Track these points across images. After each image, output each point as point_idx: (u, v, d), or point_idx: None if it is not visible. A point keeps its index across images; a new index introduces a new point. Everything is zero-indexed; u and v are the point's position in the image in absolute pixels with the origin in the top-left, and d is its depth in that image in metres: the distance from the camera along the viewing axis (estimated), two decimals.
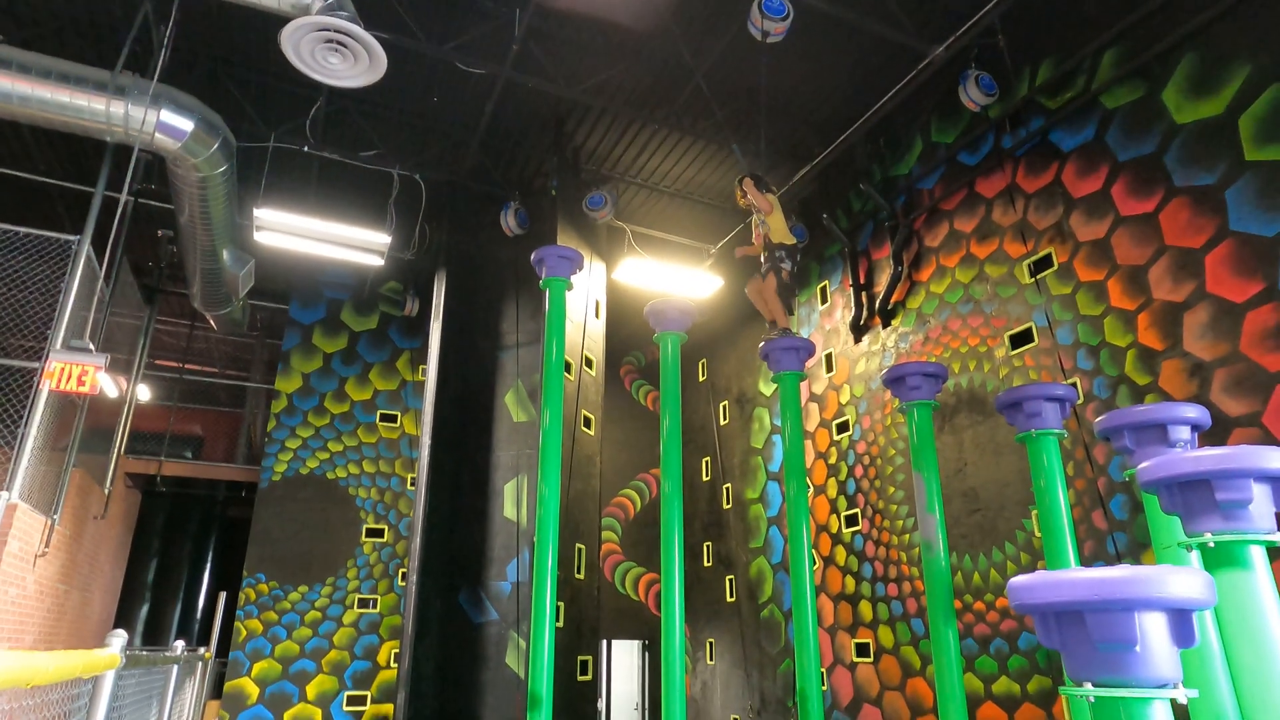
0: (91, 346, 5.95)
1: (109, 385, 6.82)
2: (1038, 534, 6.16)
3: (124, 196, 6.89)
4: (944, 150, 7.68)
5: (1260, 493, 2.54)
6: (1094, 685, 1.79)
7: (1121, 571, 1.79)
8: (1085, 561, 5.63)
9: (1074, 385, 5.97)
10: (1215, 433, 4.92)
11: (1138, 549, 5.39)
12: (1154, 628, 1.77)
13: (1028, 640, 6.13)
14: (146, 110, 6.29)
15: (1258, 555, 2.57)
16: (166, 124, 6.43)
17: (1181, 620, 1.79)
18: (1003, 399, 4.99)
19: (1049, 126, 6.59)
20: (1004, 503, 6.54)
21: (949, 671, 4.98)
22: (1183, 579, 1.78)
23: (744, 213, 9.65)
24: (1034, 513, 6.24)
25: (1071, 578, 1.85)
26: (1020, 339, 6.67)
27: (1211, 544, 2.56)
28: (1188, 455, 2.60)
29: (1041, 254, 6.55)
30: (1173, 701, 1.78)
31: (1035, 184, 6.70)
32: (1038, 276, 6.55)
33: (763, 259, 6.50)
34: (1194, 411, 3.81)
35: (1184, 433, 3.77)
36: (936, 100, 7.73)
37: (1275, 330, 4.83)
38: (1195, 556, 2.80)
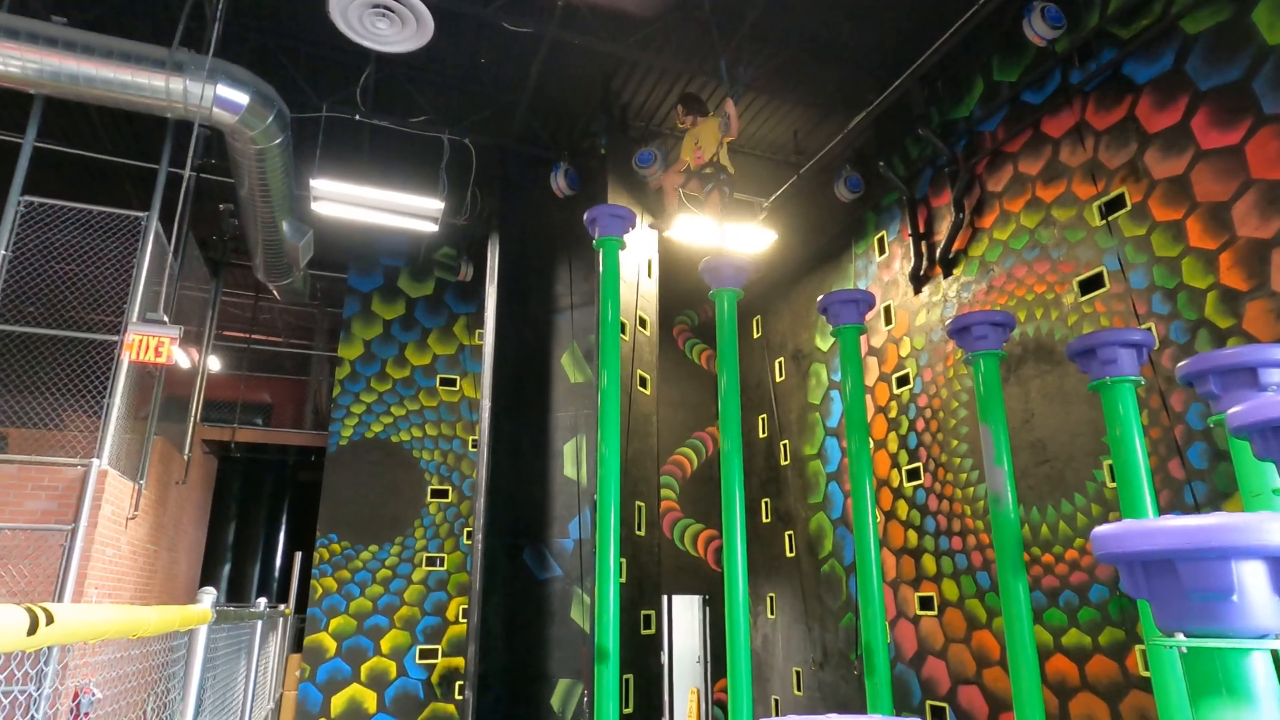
0: (166, 319, 6.18)
1: (182, 356, 7.11)
2: (1110, 484, 6.00)
3: (187, 172, 7.09)
4: (1007, 89, 7.34)
5: None
6: (1186, 635, 1.74)
7: (1216, 518, 1.72)
8: (1163, 511, 5.46)
9: (1149, 330, 5.73)
10: None
11: (1218, 498, 5.20)
12: (1253, 576, 1.70)
13: (1099, 592, 6.00)
14: (204, 85, 6.41)
15: None
16: (223, 98, 6.55)
17: None
18: (1075, 346, 4.82)
19: (1122, 58, 6.23)
20: (1073, 453, 6.37)
21: (1019, 624, 4.93)
22: None
23: (796, 165, 9.43)
24: (1106, 463, 6.07)
25: (1163, 525, 1.78)
26: (1090, 284, 6.41)
27: None
28: None
29: (1113, 194, 6.25)
30: (1274, 653, 1.72)
31: (1106, 120, 6.37)
32: (1109, 218, 6.26)
33: (699, 181, 7.14)
34: None
35: (1277, 375, 3.58)
36: (998, 37, 7.37)
37: None
38: None
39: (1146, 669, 5.50)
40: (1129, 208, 6.10)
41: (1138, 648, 5.62)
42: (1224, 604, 1.69)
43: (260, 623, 6.01)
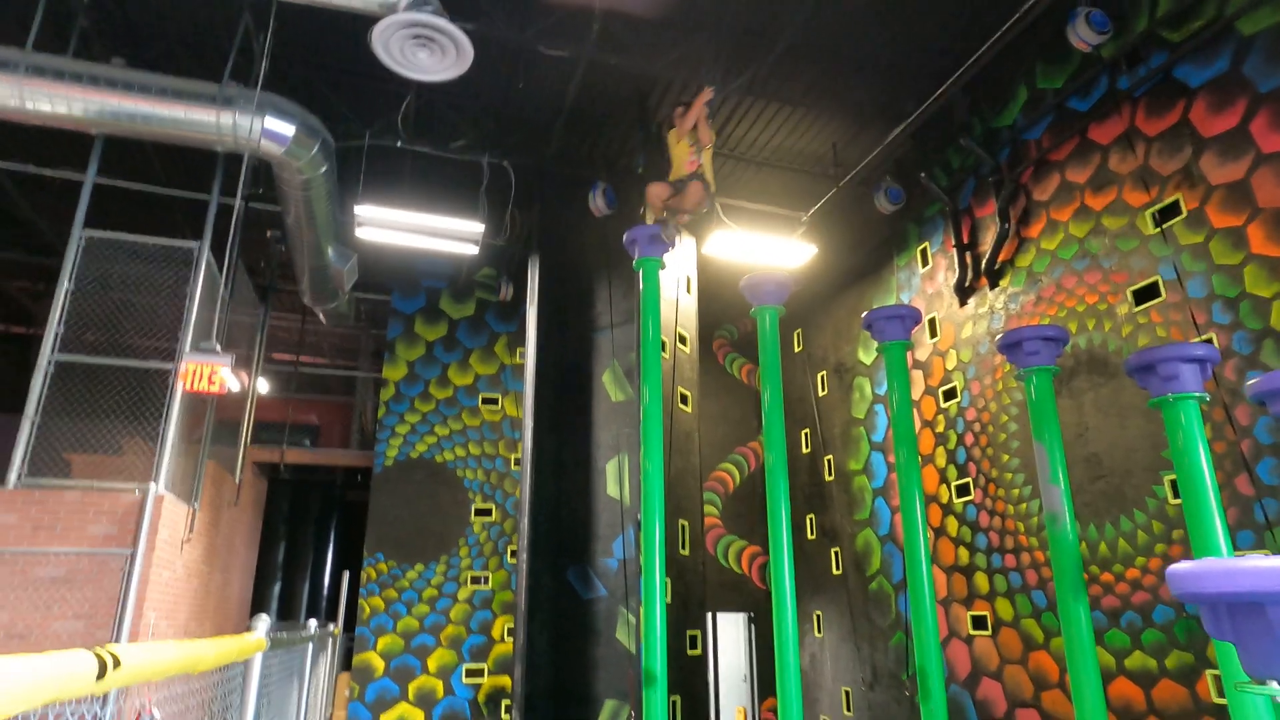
0: (218, 347, 6.33)
1: (233, 382, 7.28)
2: (1173, 500, 5.79)
3: (237, 202, 7.28)
4: (1052, 97, 7.19)
5: None
6: None
7: None
8: (1232, 530, 5.24)
9: (1210, 341, 5.53)
10: None
11: None
12: None
13: (1163, 613, 5.78)
14: (252, 118, 6.58)
15: None
16: (270, 130, 6.72)
17: None
18: (1134, 361, 4.67)
19: (1173, 62, 6.06)
20: (1131, 468, 6.16)
21: (1081, 648, 4.76)
22: None
23: (835, 178, 9.33)
24: (1167, 478, 5.85)
25: (1249, 566, 1.69)
26: (1145, 294, 6.22)
27: None
28: None
29: (1167, 201, 6.06)
30: None
31: (1158, 126, 6.20)
32: (1163, 226, 6.07)
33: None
34: None
35: None
36: (1042, 44, 7.24)
37: None
38: None
39: (1220, 695, 5.28)
40: (1184, 215, 5.92)
41: (1209, 673, 5.39)
42: None
43: (311, 644, 6.10)
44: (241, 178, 7.18)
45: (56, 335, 6.72)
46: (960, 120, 8.11)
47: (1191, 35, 5.89)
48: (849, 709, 9.63)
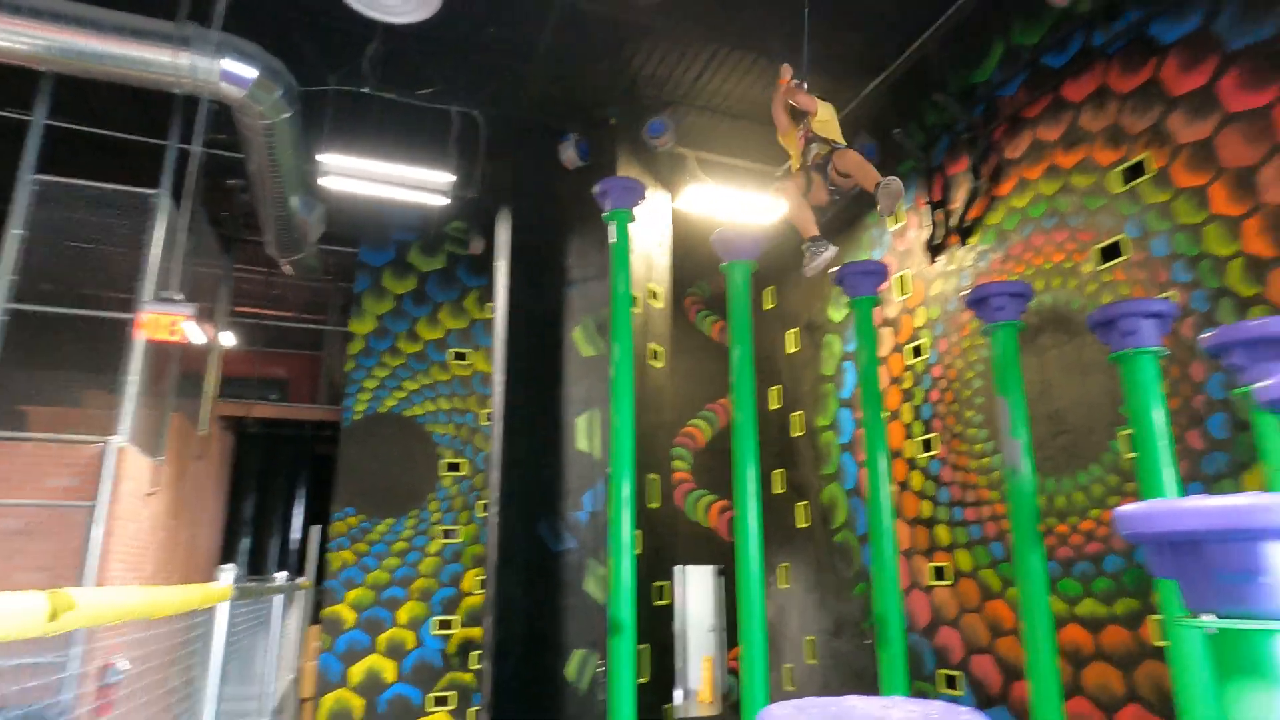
0: (179, 297, 6.18)
1: (196, 333, 7.14)
2: (1127, 455, 5.95)
3: (196, 148, 7.05)
4: (1027, 53, 7.17)
5: None
6: (1217, 616, 1.71)
7: (1247, 499, 1.69)
8: (1184, 482, 5.40)
9: (1170, 299, 5.63)
10: None
11: (1238, 469, 5.15)
12: None
13: (1113, 562, 5.99)
14: (211, 60, 6.35)
15: None
16: (230, 72, 6.48)
17: None
18: (1095, 317, 4.75)
19: (1148, 18, 6.05)
20: (1092, 424, 6.31)
21: (1035, 596, 4.92)
22: None
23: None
24: (1123, 433, 6.01)
25: (1191, 506, 1.75)
26: (1110, 252, 6.30)
27: None
28: None
29: (1135, 160, 6.11)
30: None
31: (1129, 84, 6.21)
32: (1130, 185, 6.13)
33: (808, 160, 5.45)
34: None
35: None
36: None
37: None
38: None
39: (1161, 638, 5.50)
40: (1152, 174, 5.97)
41: (1151, 617, 5.61)
42: (1253, 585, 1.66)
43: (280, 596, 6.10)
44: (199, 122, 6.94)
45: (9, 284, 6.52)
46: (936, 75, 8.06)
47: None
48: (813, 657, 9.90)
